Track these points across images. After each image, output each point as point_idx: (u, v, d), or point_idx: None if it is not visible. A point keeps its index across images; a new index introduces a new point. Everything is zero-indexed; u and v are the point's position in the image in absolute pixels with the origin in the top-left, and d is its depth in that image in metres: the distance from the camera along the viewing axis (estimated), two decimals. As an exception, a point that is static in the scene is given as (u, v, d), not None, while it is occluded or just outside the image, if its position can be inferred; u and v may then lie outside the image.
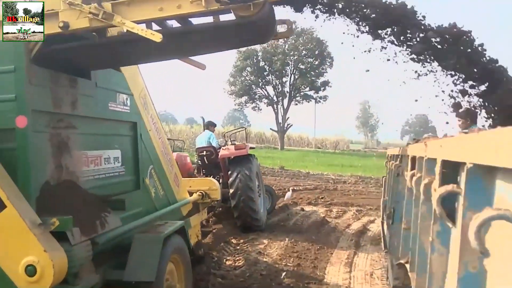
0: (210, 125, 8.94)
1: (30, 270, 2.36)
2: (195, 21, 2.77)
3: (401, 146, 4.10)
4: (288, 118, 42.67)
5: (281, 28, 2.99)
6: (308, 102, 43.54)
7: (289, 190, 11.89)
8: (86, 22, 2.50)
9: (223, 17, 2.72)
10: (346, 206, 10.79)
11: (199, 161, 8.45)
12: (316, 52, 40.78)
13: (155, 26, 2.69)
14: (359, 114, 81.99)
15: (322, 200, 11.77)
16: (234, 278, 5.13)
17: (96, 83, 3.45)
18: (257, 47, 39.28)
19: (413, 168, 2.06)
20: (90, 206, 3.04)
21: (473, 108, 3.27)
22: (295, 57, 41.31)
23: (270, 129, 44.57)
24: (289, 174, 18.42)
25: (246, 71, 42.31)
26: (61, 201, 2.82)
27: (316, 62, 41.55)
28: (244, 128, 9.67)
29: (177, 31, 2.77)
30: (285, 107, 43.04)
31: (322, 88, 42.27)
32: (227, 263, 5.81)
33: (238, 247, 6.73)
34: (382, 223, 3.99)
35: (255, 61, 41.89)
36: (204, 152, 8.27)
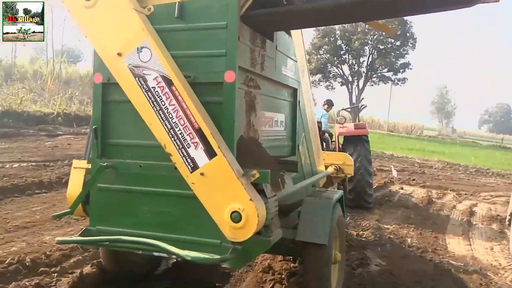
0: (326, 104, 8.99)
1: (235, 217, 2.45)
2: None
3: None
4: (362, 99, 42.05)
5: None
6: (385, 83, 42.40)
7: (394, 169, 12.48)
8: None
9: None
10: (441, 190, 11.04)
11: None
12: (399, 33, 39.22)
13: None
14: (434, 99, 77.82)
15: (414, 181, 12.09)
16: (367, 237, 5.91)
17: (276, 46, 3.51)
18: (336, 26, 38.65)
19: None
20: (271, 165, 3.13)
21: None
22: (375, 37, 40.22)
23: (343, 109, 44.05)
24: (372, 155, 18.54)
25: (323, 49, 42.02)
26: (251, 156, 2.96)
27: (398, 43, 40.15)
28: (360, 106, 10.08)
29: None
30: (360, 88, 42.41)
31: (401, 70, 40.90)
32: (352, 225, 6.57)
33: (354, 218, 7.43)
34: None
35: (332, 39, 41.45)
36: None
